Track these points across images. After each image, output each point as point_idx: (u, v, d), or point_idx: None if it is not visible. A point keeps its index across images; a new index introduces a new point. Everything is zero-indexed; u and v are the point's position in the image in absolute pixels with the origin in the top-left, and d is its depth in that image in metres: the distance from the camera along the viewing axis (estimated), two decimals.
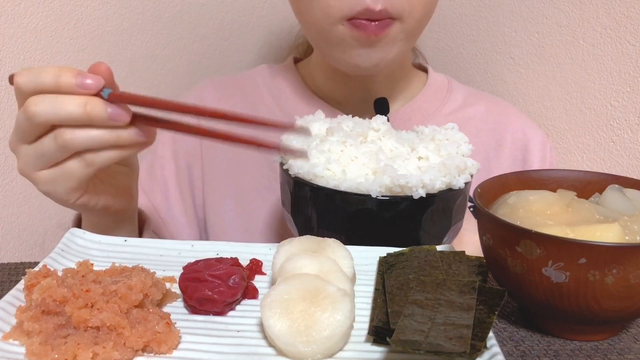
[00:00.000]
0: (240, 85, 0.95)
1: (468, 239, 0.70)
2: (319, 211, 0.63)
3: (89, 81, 0.54)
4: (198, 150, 0.91)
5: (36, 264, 0.57)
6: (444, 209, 0.63)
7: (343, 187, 0.61)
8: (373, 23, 0.74)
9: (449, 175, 0.63)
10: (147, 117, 0.57)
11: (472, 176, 0.66)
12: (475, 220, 0.73)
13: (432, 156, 0.65)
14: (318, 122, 0.71)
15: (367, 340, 0.48)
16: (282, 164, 0.67)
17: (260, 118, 0.53)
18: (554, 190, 0.60)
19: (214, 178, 0.91)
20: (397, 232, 0.62)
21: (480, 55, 1.09)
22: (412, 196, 0.60)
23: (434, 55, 1.16)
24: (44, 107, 0.54)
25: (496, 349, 0.45)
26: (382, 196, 0.60)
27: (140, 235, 0.74)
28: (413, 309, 0.47)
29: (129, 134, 0.56)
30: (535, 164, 0.91)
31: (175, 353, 0.46)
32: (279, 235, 0.88)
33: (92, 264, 0.55)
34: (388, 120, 0.84)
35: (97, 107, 0.54)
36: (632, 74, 0.89)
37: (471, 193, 0.90)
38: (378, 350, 0.46)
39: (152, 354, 0.46)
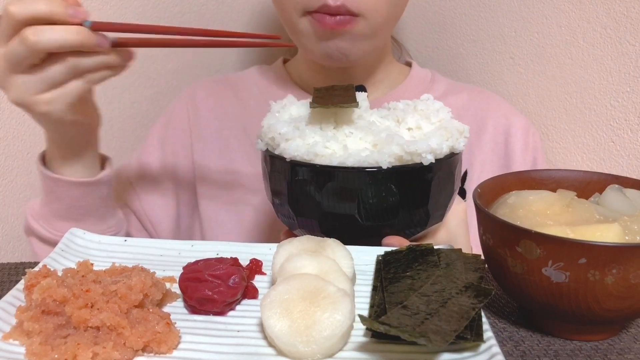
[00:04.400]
0: (231, 83, 1.00)
1: (452, 209, 0.70)
2: (327, 193, 0.60)
3: (79, 12, 0.62)
4: (188, 141, 0.94)
5: (36, 264, 0.58)
6: (448, 175, 0.63)
7: (349, 162, 0.59)
8: (333, 18, 0.78)
9: (451, 139, 0.62)
10: (123, 41, 0.66)
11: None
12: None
13: (424, 125, 0.65)
14: (295, 105, 0.69)
15: (365, 335, 0.48)
16: (269, 152, 0.64)
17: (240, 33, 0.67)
18: (554, 190, 0.60)
19: (205, 166, 0.93)
20: (407, 203, 0.61)
21: (480, 55, 1.09)
22: (421, 163, 0.60)
23: (434, 55, 1.16)
24: (45, 36, 0.60)
25: (496, 349, 0.45)
26: (393, 167, 0.59)
27: (102, 167, 0.77)
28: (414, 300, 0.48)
29: (114, 58, 0.66)
30: (517, 147, 0.92)
31: (175, 353, 0.46)
32: (271, 222, 0.90)
33: (92, 264, 0.55)
34: None
35: (88, 36, 0.62)
36: (632, 74, 0.89)
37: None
38: (378, 351, 0.46)
39: (152, 354, 0.46)
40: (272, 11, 1.20)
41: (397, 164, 0.60)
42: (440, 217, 0.66)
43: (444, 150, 0.61)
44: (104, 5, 1.01)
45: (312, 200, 0.61)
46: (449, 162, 0.62)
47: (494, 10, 1.06)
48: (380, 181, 0.59)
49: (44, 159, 0.75)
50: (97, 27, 0.63)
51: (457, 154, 0.64)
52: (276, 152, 0.63)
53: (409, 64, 1.00)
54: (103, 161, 0.78)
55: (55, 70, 0.63)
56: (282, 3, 0.83)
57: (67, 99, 0.65)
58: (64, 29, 0.61)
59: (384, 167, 0.59)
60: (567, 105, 0.98)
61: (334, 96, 0.66)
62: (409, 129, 0.65)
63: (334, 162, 0.60)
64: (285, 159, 0.62)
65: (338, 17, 0.77)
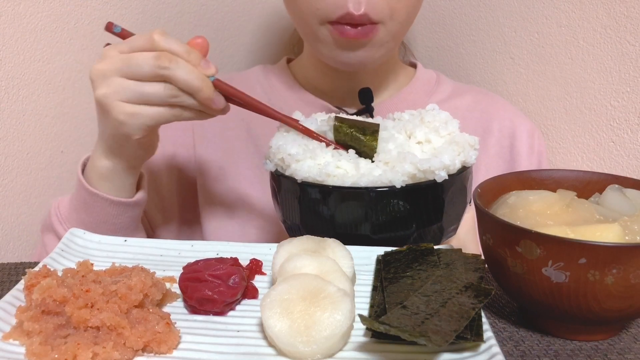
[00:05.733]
0: (235, 83, 0.97)
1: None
2: (340, 213, 0.60)
3: (211, 67, 0.66)
4: (190, 141, 0.93)
5: (36, 264, 0.58)
6: (460, 189, 0.63)
7: (362, 182, 0.59)
8: (354, 29, 0.76)
9: (463, 153, 0.62)
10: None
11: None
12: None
13: (434, 139, 0.64)
14: (305, 122, 0.69)
15: (365, 335, 0.48)
16: (279, 173, 0.64)
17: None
18: (554, 190, 0.60)
19: (207, 170, 0.92)
20: (421, 221, 0.61)
21: (480, 55, 1.09)
22: (435, 180, 0.59)
23: (434, 55, 1.16)
24: (177, 67, 0.63)
25: (496, 349, 0.45)
26: (407, 185, 0.58)
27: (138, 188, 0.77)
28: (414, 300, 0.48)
29: (216, 110, 0.68)
30: (522, 151, 0.92)
31: (175, 353, 0.46)
32: (273, 223, 0.89)
33: (92, 264, 0.55)
34: (373, 109, 0.85)
35: (209, 88, 0.65)
36: (632, 74, 0.89)
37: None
38: (378, 351, 0.46)
39: (152, 354, 0.46)
40: (272, 12, 1.20)
41: (410, 182, 0.59)
42: (454, 231, 0.66)
43: (457, 166, 0.61)
44: (104, 5, 1.01)
45: (325, 220, 0.61)
46: (461, 177, 0.62)
47: (494, 10, 1.06)
48: (394, 200, 0.59)
49: (82, 170, 0.75)
50: (217, 84, 0.66)
51: (468, 167, 0.63)
52: (287, 173, 0.62)
53: (412, 65, 1.00)
54: (139, 180, 0.78)
55: (156, 90, 0.65)
56: (300, 10, 0.81)
57: (148, 120, 0.66)
58: (194, 72, 0.64)
59: (398, 186, 0.58)
60: (567, 105, 0.98)
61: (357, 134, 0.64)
62: (419, 142, 0.64)
63: (347, 183, 0.59)
64: (296, 180, 0.61)
65: (360, 28, 0.76)
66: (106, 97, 0.65)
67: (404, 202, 0.59)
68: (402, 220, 0.60)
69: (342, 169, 0.60)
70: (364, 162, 0.61)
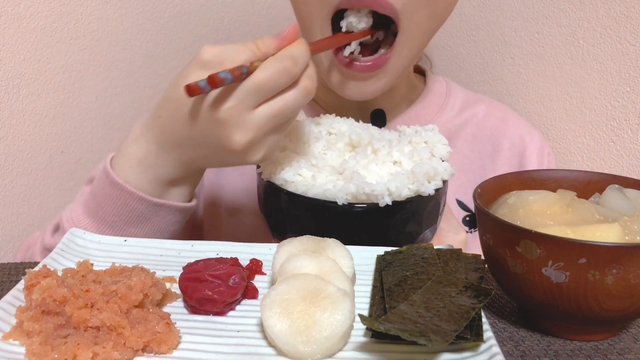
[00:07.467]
0: None
1: (447, 240, 0.70)
2: (289, 215, 0.64)
3: (306, 51, 0.61)
4: None
5: (36, 264, 0.58)
6: (413, 215, 0.63)
7: (311, 193, 0.61)
8: (362, 63, 0.76)
9: (417, 183, 0.62)
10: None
11: (445, 182, 0.65)
12: (456, 221, 0.74)
13: (405, 161, 0.66)
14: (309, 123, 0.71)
15: (365, 335, 0.48)
16: (257, 167, 0.68)
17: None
18: (554, 190, 0.60)
19: (215, 171, 0.91)
20: (365, 238, 0.62)
21: (480, 55, 1.09)
22: (377, 204, 0.60)
23: (433, 55, 1.16)
24: (315, 79, 0.62)
25: (496, 349, 0.45)
26: (349, 204, 0.61)
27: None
28: (413, 302, 0.48)
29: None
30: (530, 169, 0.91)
31: (175, 353, 0.46)
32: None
33: (92, 264, 0.55)
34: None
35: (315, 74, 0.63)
36: (632, 74, 0.89)
37: (455, 196, 0.89)
38: (378, 351, 0.46)
39: (152, 354, 0.46)
40: (272, 12, 1.20)
41: (353, 201, 0.61)
42: None
43: (405, 193, 0.61)
44: (104, 5, 1.01)
45: (278, 219, 0.66)
46: (412, 205, 0.62)
47: (494, 10, 1.06)
48: (337, 216, 0.61)
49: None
50: (314, 49, 0.64)
51: (425, 196, 0.63)
52: (258, 170, 0.67)
53: (420, 71, 0.98)
54: None
55: (289, 115, 0.62)
56: (304, 10, 0.78)
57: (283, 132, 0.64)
58: (311, 67, 0.62)
59: (339, 203, 0.60)
60: (567, 105, 0.98)
61: None
62: (395, 162, 0.66)
63: (299, 190, 0.62)
64: (262, 179, 0.66)
65: (370, 61, 0.75)
66: (267, 157, 0.63)
67: (345, 219, 0.61)
68: (344, 236, 0.60)
69: (301, 176, 0.64)
70: (324, 175, 0.63)
